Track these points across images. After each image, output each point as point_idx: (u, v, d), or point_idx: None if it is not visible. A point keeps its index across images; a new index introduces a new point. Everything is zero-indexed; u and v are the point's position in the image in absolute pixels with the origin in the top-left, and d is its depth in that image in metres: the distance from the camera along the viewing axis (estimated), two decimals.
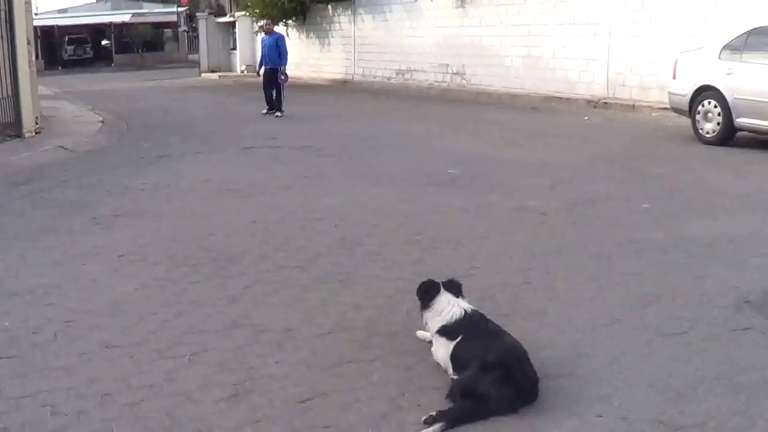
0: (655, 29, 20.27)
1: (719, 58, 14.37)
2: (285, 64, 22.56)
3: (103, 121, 20.98)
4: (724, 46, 14.37)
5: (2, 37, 16.51)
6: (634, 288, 6.79)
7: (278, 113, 21.91)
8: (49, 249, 8.47)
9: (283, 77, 22.22)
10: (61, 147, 16.03)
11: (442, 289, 5.38)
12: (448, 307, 5.25)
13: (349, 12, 34.19)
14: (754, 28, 13.99)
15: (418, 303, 5.44)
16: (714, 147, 14.10)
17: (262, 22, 27.22)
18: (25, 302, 6.79)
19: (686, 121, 15.40)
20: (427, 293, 5.39)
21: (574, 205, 9.85)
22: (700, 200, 10.06)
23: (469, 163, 13.01)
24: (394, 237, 8.65)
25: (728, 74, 14.04)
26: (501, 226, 9.01)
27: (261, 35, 36.11)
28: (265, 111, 22.36)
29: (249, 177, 12.40)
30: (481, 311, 5.29)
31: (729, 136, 14.19)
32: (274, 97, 22.30)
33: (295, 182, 11.87)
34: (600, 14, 21.98)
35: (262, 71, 22.77)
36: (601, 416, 4.59)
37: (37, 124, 17.87)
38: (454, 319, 5.18)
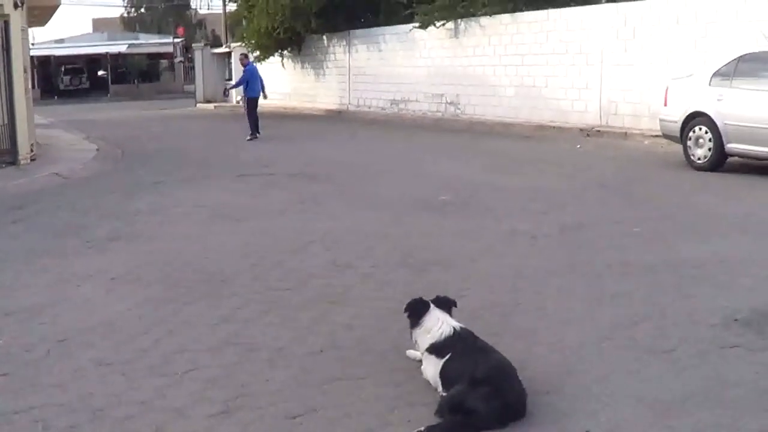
0: (647, 57, 20.41)
1: (710, 84, 14.49)
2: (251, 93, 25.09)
3: (98, 149, 21.08)
4: (715, 73, 14.50)
5: None
6: (623, 308, 6.83)
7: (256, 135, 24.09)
8: (43, 271, 8.53)
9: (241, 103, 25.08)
10: (56, 174, 16.12)
11: (432, 307, 5.42)
12: (438, 325, 5.28)
13: (344, 42, 34.36)
14: (744, 55, 14.14)
15: (408, 321, 5.48)
16: (705, 173, 14.18)
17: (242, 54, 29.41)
18: (18, 321, 6.85)
19: (678, 148, 15.49)
20: (416, 311, 5.43)
21: (565, 229, 9.92)
22: (691, 223, 10.13)
23: (462, 189, 13.08)
24: (386, 259, 8.70)
25: (719, 100, 14.15)
26: (492, 249, 9.07)
27: (256, 65, 36.72)
28: (250, 137, 24.01)
29: (243, 202, 12.47)
30: (470, 329, 5.33)
31: (720, 161, 14.28)
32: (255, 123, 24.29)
33: (289, 207, 11.93)
34: (592, 43, 22.14)
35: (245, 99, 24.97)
36: (588, 431, 4.62)
37: (32, 151, 17.95)
38: (443, 337, 5.21)
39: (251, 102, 24.73)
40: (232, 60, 44.78)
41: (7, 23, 16.58)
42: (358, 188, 13.69)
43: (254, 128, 24.32)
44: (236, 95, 44.08)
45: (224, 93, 27.45)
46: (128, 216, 11.56)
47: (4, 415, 4.98)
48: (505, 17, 25.30)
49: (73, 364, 5.82)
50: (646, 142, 19.05)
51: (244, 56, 27.31)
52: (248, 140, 23.66)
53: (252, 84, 25.01)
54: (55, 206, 12.56)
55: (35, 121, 21.33)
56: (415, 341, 5.41)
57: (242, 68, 25.97)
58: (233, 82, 26.00)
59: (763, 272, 7.84)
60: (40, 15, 24.86)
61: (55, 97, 60.45)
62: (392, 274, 8.08)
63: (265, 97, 25.56)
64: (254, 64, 26.26)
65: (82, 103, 51.89)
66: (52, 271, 8.49)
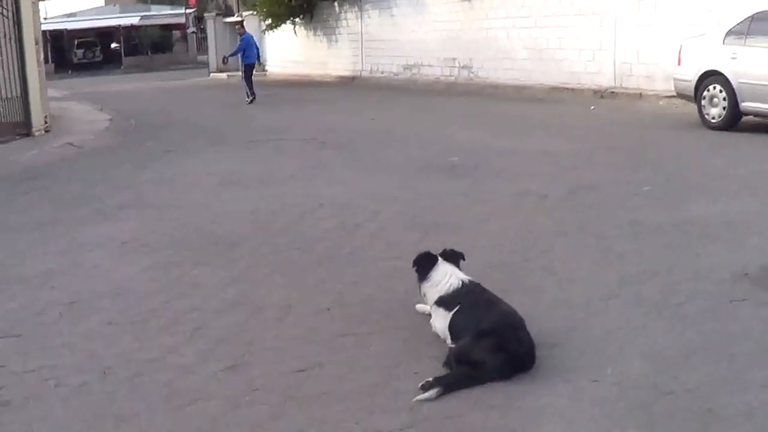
0: (661, 18, 20.21)
1: (723, 43, 14.38)
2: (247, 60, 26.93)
3: (110, 120, 21.12)
4: (728, 31, 14.38)
5: (10, 38, 16.65)
6: (631, 266, 6.83)
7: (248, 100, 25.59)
8: (55, 239, 8.59)
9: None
10: (69, 144, 16.17)
11: (439, 260, 5.44)
12: (446, 278, 5.31)
13: (356, 8, 34.22)
14: (758, 13, 13.99)
15: (416, 276, 5.50)
16: (719, 132, 14.09)
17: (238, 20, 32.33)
18: (30, 287, 6.91)
19: (692, 109, 15.38)
20: (424, 265, 5.46)
21: (575, 190, 9.89)
22: (702, 183, 10.08)
23: (472, 153, 13.05)
24: (394, 221, 8.73)
25: (732, 59, 14.05)
26: (501, 210, 9.07)
27: (268, 33, 36.82)
28: (249, 100, 25.56)
29: (252, 169, 12.48)
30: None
31: (734, 120, 14.18)
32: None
33: (298, 173, 11.95)
34: (605, 4, 21.94)
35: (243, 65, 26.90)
36: (595, 381, 4.65)
37: (46, 123, 18.00)
38: (451, 290, 5.25)
39: (248, 68, 26.46)
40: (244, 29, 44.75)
41: None
42: (368, 153, 13.69)
43: (252, 92, 25.73)
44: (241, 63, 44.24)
45: (223, 61, 29.04)
46: (139, 185, 11.61)
47: (16, 374, 5.05)
48: None
49: (84, 325, 5.89)
50: (660, 103, 18.93)
51: (240, 25, 29.78)
52: (248, 104, 25.18)
53: (248, 51, 26.78)
54: (67, 176, 12.62)
55: (49, 95, 21.35)
56: (424, 295, 5.44)
57: (238, 37, 27.85)
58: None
59: None
60: None
61: (69, 71, 60.40)
62: (400, 236, 8.10)
63: (259, 63, 27.87)
64: (249, 33, 28.27)
65: (95, 76, 51.99)
66: (64, 239, 8.55)
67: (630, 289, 6.26)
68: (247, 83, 25.99)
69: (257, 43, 27.77)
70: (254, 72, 26.90)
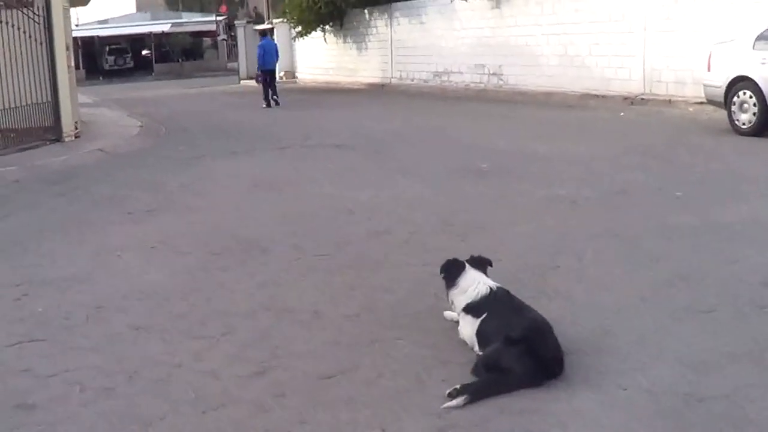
0: (690, 23, 20.08)
1: (753, 48, 14.25)
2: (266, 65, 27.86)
3: (141, 126, 21.18)
4: (758, 36, 14.25)
5: (41, 43, 16.74)
6: (662, 270, 6.75)
7: (278, 102, 27.00)
8: (83, 241, 8.62)
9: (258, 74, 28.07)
10: (99, 149, 16.22)
11: (467, 267, 5.39)
12: (474, 285, 5.25)
13: (386, 16, 34.24)
14: None
15: (443, 282, 5.45)
16: (749, 137, 13.96)
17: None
18: (58, 289, 6.91)
19: (722, 114, 15.27)
20: (452, 271, 5.40)
21: (606, 194, 9.83)
22: (733, 187, 9.99)
23: (502, 158, 12.99)
24: (424, 226, 8.68)
25: (763, 64, 13.91)
26: (531, 214, 9.00)
27: (299, 41, 37.09)
28: (264, 106, 26.83)
29: (282, 174, 12.49)
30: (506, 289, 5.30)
31: (765, 125, 14.01)
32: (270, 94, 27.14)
33: (328, 178, 11.92)
34: (635, 10, 21.83)
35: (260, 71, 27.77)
36: (625, 389, 4.57)
37: (76, 128, 18.07)
38: (479, 297, 5.18)
39: (267, 74, 27.43)
40: (275, 36, 44.85)
41: (48, 1, 16.67)
42: (398, 158, 13.65)
43: (267, 96, 27.05)
44: (279, 72, 44.31)
45: (257, 80, 29.29)
46: (168, 189, 11.63)
47: (41, 377, 5.03)
48: None
49: (110, 329, 5.88)
50: (690, 109, 18.80)
51: (262, 33, 32.43)
52: (264, 107, 26.54)
53: (268, 57, 27.51)
54: (96, 180, 12.67)
55: (80, 101, 21.48)
56: (452, 302, 5.38)
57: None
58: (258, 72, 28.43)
59: None
60: None
61: (100, 77, 60.94)
62: (430, 240, 8.05)
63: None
64: (270, 38, 30.10)
65: (126, 83, 52.32)
66: (92, 242, 8.57)
67: (661, 293, 6.18)
68: (265, 89, 27.10)
69: (277, 50, 28.92)
70: (277, 78, 27.88)
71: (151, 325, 5.90)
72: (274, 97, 27.27)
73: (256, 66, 28.46)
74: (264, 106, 26.66)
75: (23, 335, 5.81)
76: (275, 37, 44.00)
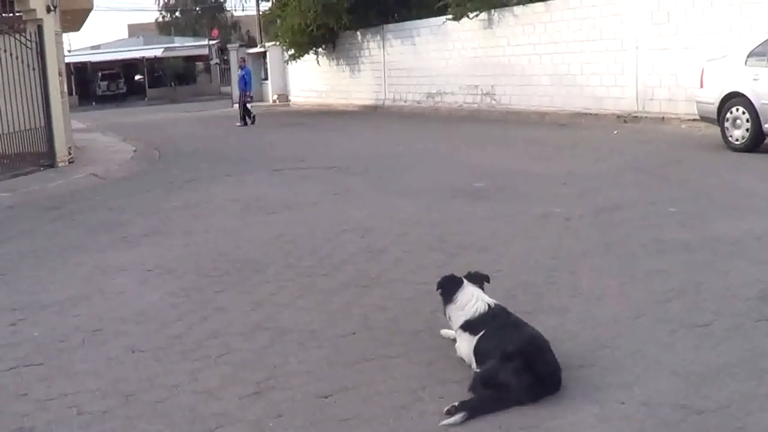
0: (682, 41, 20.19)
1: (745, 64, 14.31)
2: (250, 90, 32.31)
3: (135, 150, 21.23)
4: (750, 53, 14.32)
5: (34, 69, 16.78)
6: (658, 284, 6.77)
7: (239, 124, 29.79)
8: (79, 265, 8.61)
9: (248, 98, 31.16)
10: (94, 174, 16.25)
11: (465, 283, 5.38)
12: (472, 301, 5.24)
13: (378, 37, 34.36)
14: None
15: (440, 299, 5.46)
16: (743, 153, 14.00)
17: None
18: (54, 313, 6.92)
19: (715, 131, 15.32)
20: (449, 288, 5.39)
21: (600, 211, 9.85)
22: (727, 202, 10.02)
23: (496, 177, 13.02)
24: (419, 244, 8.70)
25: (755, 80, 13.97)
26: (526, 232, 9.03)
27: (291, 64, 37.50)
28: (241, 124, 29.75)
29: (277, 196, 12.50)
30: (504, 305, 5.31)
31: (758, 142, 14.09)
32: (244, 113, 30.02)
33: (323, 199, 11.96)
34: (626, 29, 21.95)
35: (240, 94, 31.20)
36: (623, 403, 4.58)
37: (70, 154, 18.09)
38: (477, 314, 5.18)
39: (245, 96, 30.65)
40: (268, 60, 45.01)
41: (40, 27, 16.73)
42: (392, 179, 13.67)
43: (244, 117, 29.98)
44: (272, 95, 44.45)
45: (240, 104, 31.53)
46: (163, 212, 11.63)
47: (38, 402, 5.03)
48: (539, 6, 25.18)
49: (107, 352, 5.87)
50: (683, 126, 18.87)
51: (243, 59, 34.89)
52: (239, 126, 29.43)
53: (249, 82, 31.02)
54: (91, 205, 12.68)
55: (73, 126, 21.50)
56: (449, 318, 5.38)
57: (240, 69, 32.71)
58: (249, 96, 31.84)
59: None
60: (73, 19, 25.05)
61: (93, 102, 60.96)
62: (425, 258, 8.06)
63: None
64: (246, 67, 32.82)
65: (119, 108, 52.37)
66: (88, 266, 8.57)
67: (657, 307, 6.19)
68: (244, 110, 30.22)
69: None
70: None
71: (147, 347, 5.89)
72: (244, 117, 30.17)
73: (239, 91, 31.58)
74: (239, 124, 29.79)
75: (21, 359, 5.80)
76: (267, 60, 44.46)
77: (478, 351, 5.01)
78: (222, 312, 6.67)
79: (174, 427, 4.60)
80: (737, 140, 14.37)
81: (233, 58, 48.20)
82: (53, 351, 5.95)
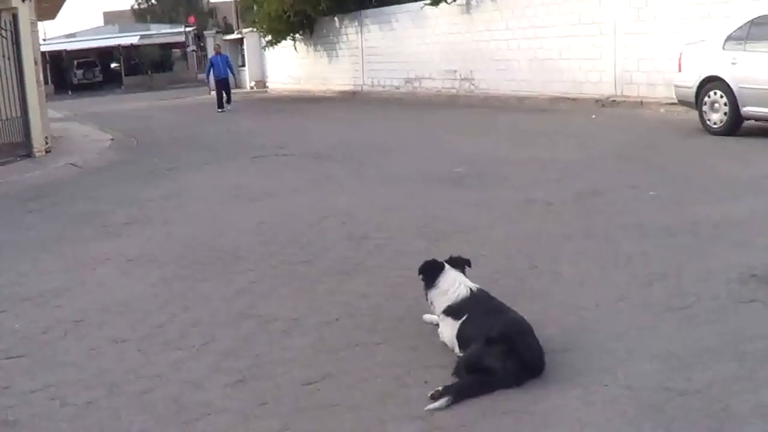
0: (661, 25, 20.21)
1: (723, 48, 14.35)
2: (234, 75, 33.49)
3: (112, 139, 21.12)
4: (728, 37, 14.35)
5: (9, 58, 16.65)
6: (639, 268, 6.80)
7: (229, 107, 30.06)
8: (60, 257, 8.57)
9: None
10: (72, 164, 16.17)
11: (446, 267, 5.40)
12: (454, 286, 5.26)
13: (356, 23, 34.26)
14: (757, 17, 13.96)
15: (422, 283, 5.47)
16: (721, 137, 14.05)
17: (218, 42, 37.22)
18: (35, 305, 6.89)
19: (693, 115, 15.37)
20: (431, 272, 5.40)
21: (581, 196, 9.87)
22: (707, 186, 10.06)
23: (476, 162, 13.03)
24: (401, 231, 8.70)
25: (733, 64, 14.02)
26: (507, 217, 9.05)
27: (269, 50, 37.35)
28: (221, 110, 29.72)
29: (257, 183, 12.47)
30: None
31: (736, 125, 14.16)
32: (224, 99, 30.20)
33: (303, 186, 11.93)
34: (605, 13, 21.95)
35: (212, 81, 31.70)
36: (606, 386, 4.60)
37: (47, 143, 17.97)
38: (459, 299, 5.20)
39: (218, 83, 30.70)
40: (245, 46, 44.85)
41: (15, 16, 16.57)
42: (372, 165, 13.66)
43: (220, 104, 30.19)
44: (250, 81, 44.30)
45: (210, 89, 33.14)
46: (143, 201, 11.58)
47: (21, 394, 5.01)
48: None
49: (90, 342, 5.86)
50: (661, 110, 18.91)
51: (218, 46, 34.10)
52: (219, 112, 29.57)
53: (216, 69, 30.52)
54: (70, 195, 12.62)
55: (50, 116, 21.37)
56: (431, 303, 5.39)
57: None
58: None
59: None
60: (49, 8, 24.90)
61: (69, 91, 60.43)
62: (407, 244, 8.07)
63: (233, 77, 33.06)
64: (223, 54, 32.20)
65: (96, 96, 51.96)
66: (69, 257, 8.53)
67: (639, 291, 6.23)
68: (218, 95, 30.58)
69: (228, 61, 31.95)
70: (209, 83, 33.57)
71: (130, 338, 5.88)
72: (228, 101, 30.48)
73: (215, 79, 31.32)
74: (220, 111, 29.63)
75: (2, 352, 5.78)
76: (245, 47, 44.26)
77: (460, 335, 5.03)
78: (204, 301, 6.66)
79: (159, 417, 4.59)
80: (715, 124, 14.43)
81: (210, 44, 48.08)
82: (35, 343, 5.93)
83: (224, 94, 30.53)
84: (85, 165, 16.24)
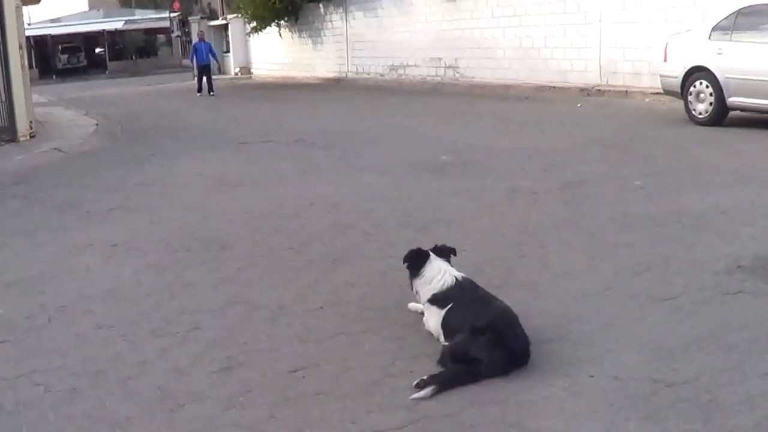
0: (646, 15, 20.23)
1: (709, 38, 14.37)
2: (218, 60, 35.48)
3: (97, 125, 20.95)
4: (714, 27, 14.37)
5: None
6: (626, 258, 6.81)
7: (212, 94, 30.50)
8: (44, 243, 8.51)
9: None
10: (56, 149, 16.05)
11: (432, 256, 5.38)
12: (439, 275, 5.25)
13: (341, 10, 34.16)
14: (743, 8, 13.97)
15: (408, 272, 5.45)
16: (707, 127, 14.09)
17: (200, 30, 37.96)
18: (20, 292, 6.85)
19: (679, 105, 15.40)
20: (416, 261, 5.39)
21: (567, 185, 9.87)
22: (693, 176, 10.07)
23: (462, 151, 13.00)
24: (387, 220, 8.68)
25: (719, 54, 14.04)
26: (494, 207, 9.04)
27: (253, 36, 37.21)
28: (199, 94, 30.76)
29: (243, 171, 12.42)
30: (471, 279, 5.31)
31: (721, 115, 14.19)
32: (205, 83, 31.00)
33: (289, 174, 11.89)
34: (590, 2, 21.94)
35: (196, 66, 32.13)
36: (592, 377, 4.61)
37: (31, 128, 17.85)
38: (445, 287, 5.19)
39: (200, 69, 31.45)
40: (230, 32, 44.70)
41: (0, 1, 16.45)
42: (358, 153, 13.62)
43: (200, 87, 31.33)
44: (234, 67, 44.17)
45: (193, 75, 33.75)
46: (128, 188, 11.52)
47: (6, 380, 4.98)
48: None
49: (74, 329, 5.83)
50: (647, 100, 18.93)
51: (201, 32, 35.18)
52: (199, 96, 30.61)
53: (198, 55, 31.42)
54: (54, 181, 12.53)
55: (34, 101, 21.21)
56: (416, 292, 5.38)
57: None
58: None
59: (765, 221, 7.80)
60: None
61: (54, 76, 60.06)
62: (393, 234, 8.06)
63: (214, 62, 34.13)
64: (206, 41, 33.08)
65: (80, 81, 51.63)
66: (53, 243, 8.48)
67: (625, 281, 6.24)
68: (198, 80, 31.69)
69: (211, 48, 32.85)
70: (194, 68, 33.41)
71: (115, 325, 5.85)
72: (210, 89, 30.94)
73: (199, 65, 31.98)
74: (199, 95, 30.84)
75: None
76: (229, 33, 44.12)
77: (446, 324, 5.02)
78: (190, 289, 6.63)
79: (144, 404, 4.57)
80: (701, 114, 14.45)
81: (194, 30, 47.86)
82: (20, 330, 5.89)
83: (206, 80, 31.01)
84: (69, 150, 16.12)
